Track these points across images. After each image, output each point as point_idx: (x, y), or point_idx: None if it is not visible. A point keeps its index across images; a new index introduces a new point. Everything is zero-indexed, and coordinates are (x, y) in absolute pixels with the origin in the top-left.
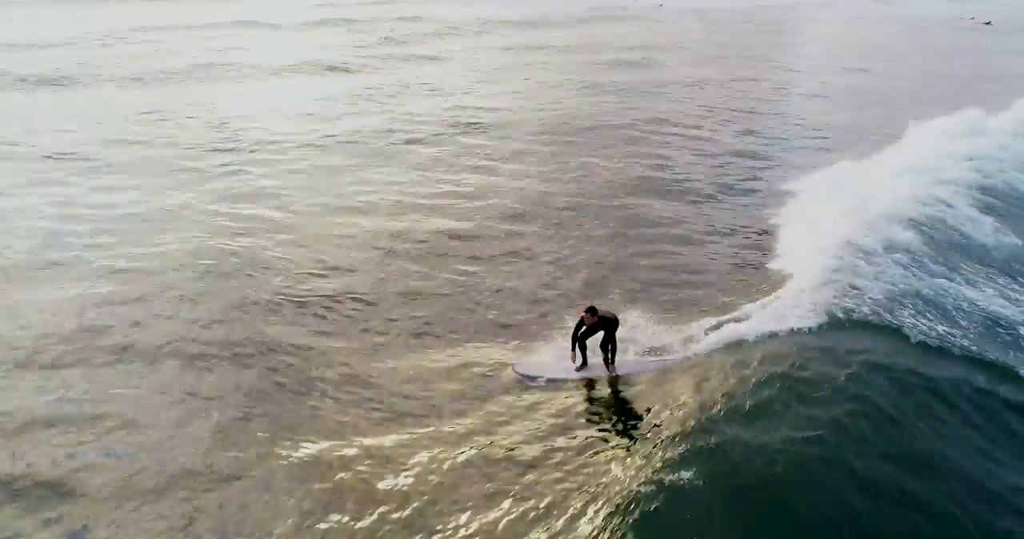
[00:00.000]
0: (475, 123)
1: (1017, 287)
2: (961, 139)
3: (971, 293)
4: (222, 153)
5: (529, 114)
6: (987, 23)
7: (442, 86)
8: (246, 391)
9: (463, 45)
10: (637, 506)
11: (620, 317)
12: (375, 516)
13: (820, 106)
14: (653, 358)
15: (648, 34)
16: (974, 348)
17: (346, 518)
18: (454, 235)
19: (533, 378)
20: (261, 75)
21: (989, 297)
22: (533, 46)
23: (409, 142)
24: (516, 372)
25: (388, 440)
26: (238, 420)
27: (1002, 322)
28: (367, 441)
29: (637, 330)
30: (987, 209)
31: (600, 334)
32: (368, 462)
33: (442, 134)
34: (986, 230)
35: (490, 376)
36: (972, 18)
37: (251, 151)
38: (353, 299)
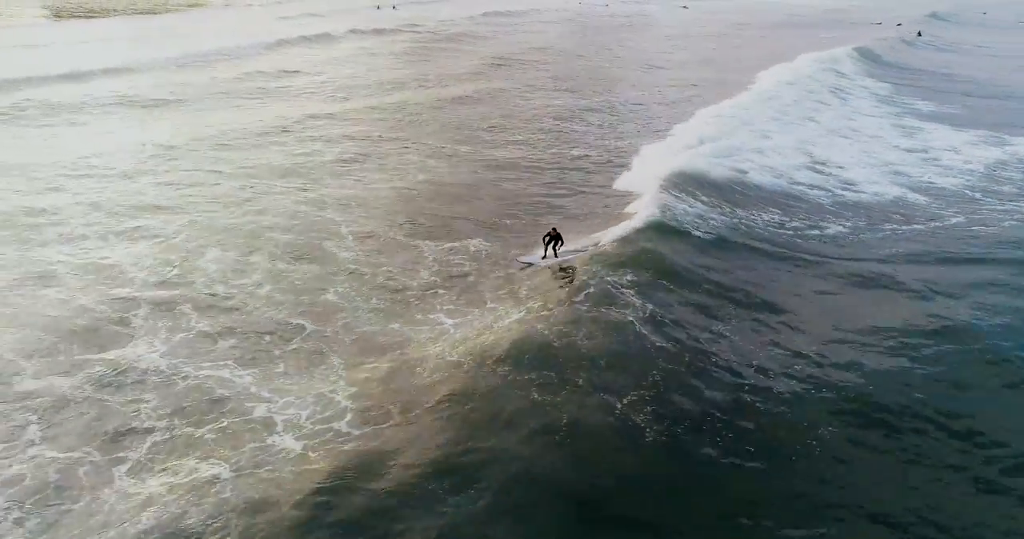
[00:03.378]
0: None
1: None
2: None
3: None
4: None
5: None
6: (684, 7)
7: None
8: None
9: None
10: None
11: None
12: None
13: None
14: (573, 253)
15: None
16: None
17: None
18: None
19: (529, 263)
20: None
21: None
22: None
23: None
24: (517, 260)
25: None
26: None
27: None
28: None
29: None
30: None
31: (552, 241)
32: None
33: None
34: None
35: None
36: (685, 7)
37: None
38: None
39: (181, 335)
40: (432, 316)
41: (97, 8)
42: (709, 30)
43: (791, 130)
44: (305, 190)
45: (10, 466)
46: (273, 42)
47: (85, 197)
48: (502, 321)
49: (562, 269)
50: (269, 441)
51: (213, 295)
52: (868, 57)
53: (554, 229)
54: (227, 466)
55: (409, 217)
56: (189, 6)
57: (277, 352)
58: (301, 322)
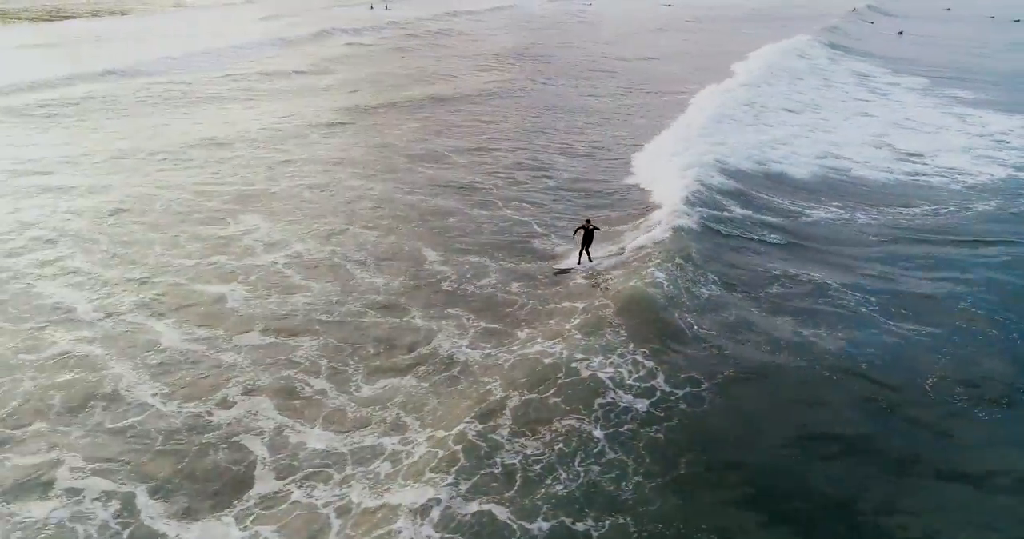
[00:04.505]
0: None
1: None
2: None
3: None
4: None
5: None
6: (669, 6)
7: None
8: None
9: None
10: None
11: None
12: None
13: None
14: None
15: None
16: None
17: None
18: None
19: (565, 270)
20: None
21: None
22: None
23: None
24: (554, 268)
25: None
26: None
27: None
28: None
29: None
30: None
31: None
32: None
33: None
34: None
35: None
36: (670, 5)
37: None
38: None
39: None
40: None
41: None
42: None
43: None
44: None
45: None
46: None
47: None
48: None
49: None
50: None
51: None
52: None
53: (588, 221)
54: None
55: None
56: (175, 6)
57: None
58: None
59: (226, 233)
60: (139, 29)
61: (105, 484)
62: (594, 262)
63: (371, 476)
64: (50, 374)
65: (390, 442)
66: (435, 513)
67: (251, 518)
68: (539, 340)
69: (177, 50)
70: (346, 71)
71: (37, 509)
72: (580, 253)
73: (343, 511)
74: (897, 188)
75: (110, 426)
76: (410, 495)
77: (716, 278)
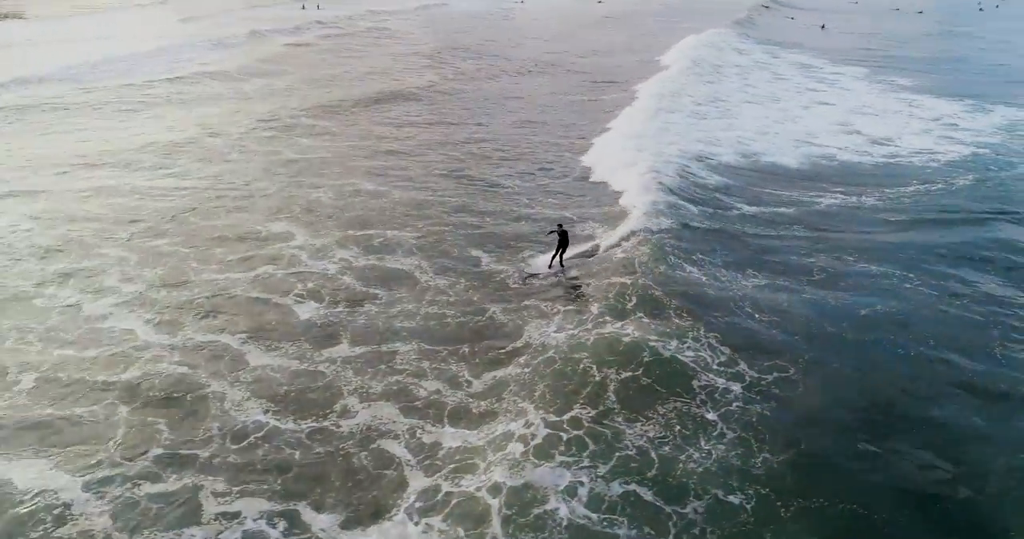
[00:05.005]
0: None
1: None
2: None
3: None
4: None
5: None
6: (599, 1)
7: None
8: None
9: None
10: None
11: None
12: None
13: None
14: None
15: None
16: None
17: None
18: None
19: (534, 275)
20: None
21: None
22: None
23: None
24: (523, 272)
25: None
26: None
27: None
28: None
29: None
30: None
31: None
32: None
33: None
34: None
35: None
36: (599, 1)
37: None
38: None
39: None
40: None
41: None
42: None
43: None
44: None
45: None
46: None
47: None
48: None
49: (573, 282)
50: None
51: None
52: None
53: (560, 226)
54: None
55: None
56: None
57: None
58: None
59: (260, 240)
60: (51, 33)
61: (260, 504)
62: (566, 268)
63: (509, 459)
64: (144, 399)
65: (517, 427)
66: (582, 493)
67: (418, 514)
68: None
69: (96, 55)
70: (294, 71)
71: (201, 533)
72: (553, 257)
73: (495, 491)
74: (885, 170)
75: (235, 447)
76: (549, 476)
77: (751, 270)
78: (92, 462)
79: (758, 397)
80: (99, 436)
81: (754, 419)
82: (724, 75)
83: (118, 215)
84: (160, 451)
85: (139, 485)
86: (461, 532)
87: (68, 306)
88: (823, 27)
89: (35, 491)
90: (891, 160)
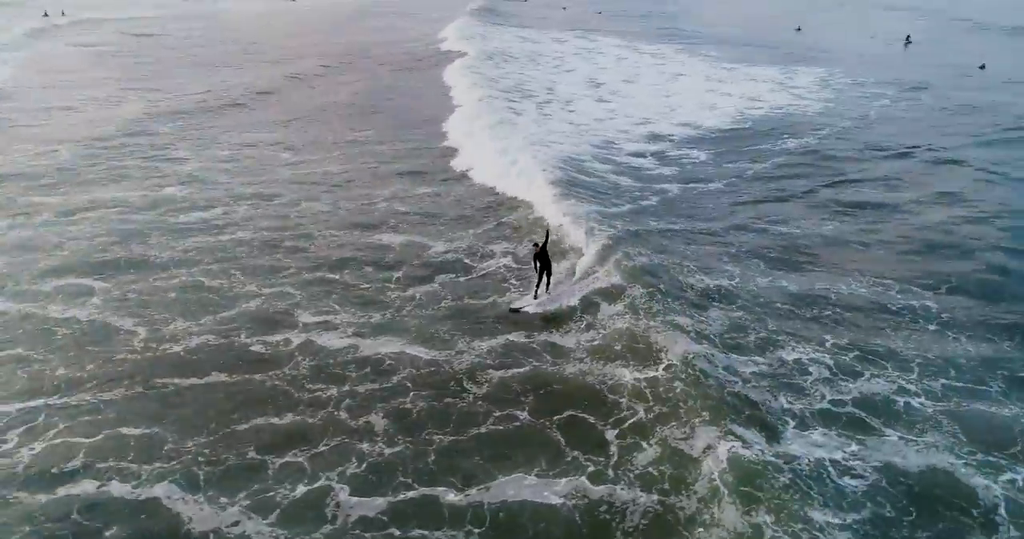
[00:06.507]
0: None
1: None
2: None
3: None
4: None
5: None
6: (563, 8)
7: None
8: None
9: None
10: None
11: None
12: None
13: None
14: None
15: None
16: None
17: None
18: None
19: (519, 309)
20: None
21: None
22: None
23: None
24: (510, 307)
25: None
26: None
27: None
28: None
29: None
30: None
31: (543, 270)
32: None
33: None
34: None
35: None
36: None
37: None
38: None
39: None
40: None
41: None
42: None
43: None
44: None
45: None
46: None
47: None
48: None
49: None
50: None
51: None
52: None
53: (536, 246)
54: None
55: None
56: None
57: None
58: None
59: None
60: None
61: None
62: (551, 294)
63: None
64: (266, 414)
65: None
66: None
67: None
68: None
69: None
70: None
71: None
72: (537, 286)
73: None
74: (780, 121)
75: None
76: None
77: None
78: None
79: None
80: None
81: None
82: (527, 61)
83: None
84: (306, 456)
85: (267, 484)
86: None
87: None
88: (564, 8)
89: None
90: (782, 112)
